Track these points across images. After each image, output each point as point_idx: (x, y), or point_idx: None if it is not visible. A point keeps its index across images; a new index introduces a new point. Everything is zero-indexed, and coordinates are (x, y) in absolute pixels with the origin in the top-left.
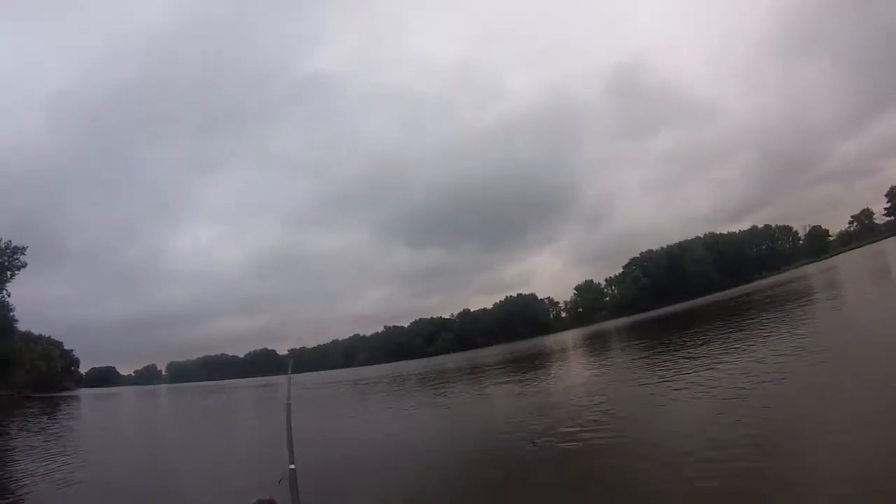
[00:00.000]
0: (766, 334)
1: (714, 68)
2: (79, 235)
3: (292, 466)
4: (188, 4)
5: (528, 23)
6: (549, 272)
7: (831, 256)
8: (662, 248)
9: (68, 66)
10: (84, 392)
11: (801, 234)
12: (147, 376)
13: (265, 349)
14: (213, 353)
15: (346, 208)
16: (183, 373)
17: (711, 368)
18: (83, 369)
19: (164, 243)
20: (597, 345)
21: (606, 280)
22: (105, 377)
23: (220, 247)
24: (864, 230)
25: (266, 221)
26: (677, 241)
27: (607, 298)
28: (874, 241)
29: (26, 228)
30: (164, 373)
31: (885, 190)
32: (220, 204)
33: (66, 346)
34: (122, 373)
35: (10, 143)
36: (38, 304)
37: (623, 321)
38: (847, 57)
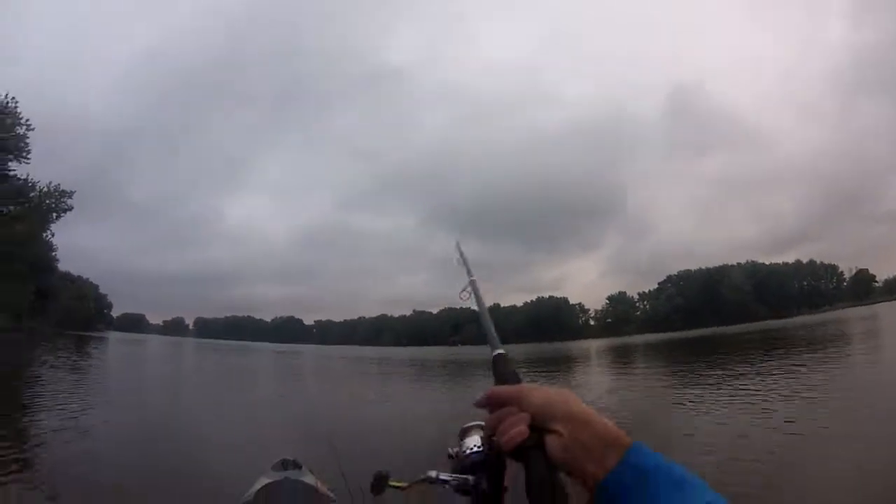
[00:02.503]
0: (791, 377)
1: (773, 97)
2: (139, 189)
3: (500, 350)
4: None
5: (592, 34)
6: (584, 279)
7: (874, 303)
8: (701, 269)
9: (157, 28)
10: (113, 335)
11: (847, 275)
12: (174, 328)
13: (292, 317)
14: (240, 315)
15: (395, 193)
16: (209, 330)
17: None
18: (115, 313)
19: (219, 206)
20: (617, 358)
21: (640, 294)
22: (134, 323)
23: (271, 216)
24: None
25: (318, 198)
26: (717, 264)
27: (638, 313)
28: None
29: (92, 177)
30: (190, 327)
31: None
32: (277, 176)
33: (102, 290)
34: (151, 321)
35: (91, 96)
36: (85, 247)
37: (651, 337)
38: None
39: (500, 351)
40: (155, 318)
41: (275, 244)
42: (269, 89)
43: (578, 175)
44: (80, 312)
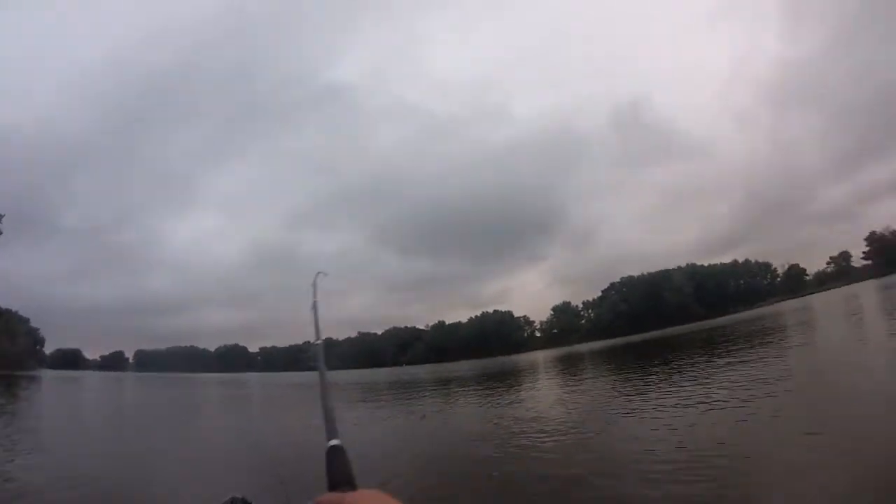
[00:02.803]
0: (733, 367)
1: (711, 109)
2: (74, 212)
3: (335, 442)
4: (226, 2)
5: (539, 52)
6: (530, 290)
7: (807, 295)
8: (643, 275)
9: (99, 45)
10: (47, 374)
11: (780, 271)
12: (113, 362)
13: (236, 345)
14: (182, 345)
15: (344, 211)
16: (150, 362)
17: (673, 400)
18: (49, 349)
19: (162, 230)
20: (563, 368)
21: (584, 303)
22: (70, 360)
23: (217, 238)
24: (841, 272)
25: (266, 216)
26: (658, 269)
27: (583, 322)
28: (849, 284)
29: (24, 200)
30: (130, 360)
31: (864, 234)
32: (224, 196)
33: (33, 324)
34: (87, 357)
35: (25, 114)
36: (13, 277)
37: (596, 345)
38: (838, 108)
39: (336, 442)
40: (92, 353)
41: (221, 267)
42: (217, 107)
43: (525, 189)
44: (9, 350)
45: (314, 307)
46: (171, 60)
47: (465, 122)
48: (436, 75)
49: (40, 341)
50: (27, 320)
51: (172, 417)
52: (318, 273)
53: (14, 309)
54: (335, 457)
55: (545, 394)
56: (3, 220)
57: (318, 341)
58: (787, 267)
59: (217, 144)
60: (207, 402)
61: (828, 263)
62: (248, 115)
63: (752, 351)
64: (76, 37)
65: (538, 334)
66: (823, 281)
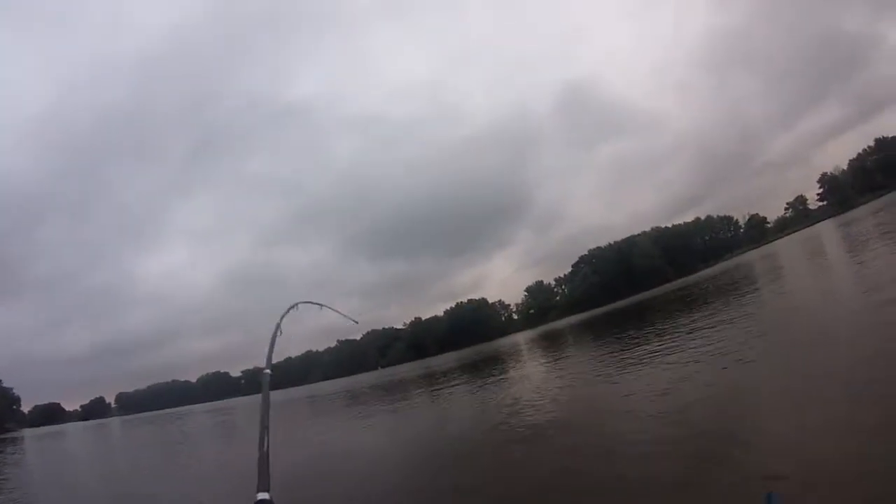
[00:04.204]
0: (709, 324)
1: (654, 82)
2: (42, 263)
3: (264, 496)
4: (175, 32)
5: (486, 47)
6: (501, 277)
7: (771, 242)
8: (610, 245)
9: (47, 88)
10: (27, 433)
11: (742, 223)
12: (95, 410)
13: (218, 372)
14: (164, 381)
15: (313, 225)
16: (133, 403)
17: (655, 362)
18: (26, 407)
19: (132, 268)
20: (545, 346)
21: (556, 280)
22: (50, 415)
23: (190, 268)
24: (800, 216)
25: (236, 241)
26: (624, 237)
27: (558, 298)
28: (809, 226)
29: None
30: (113, 405)
31: (816, 178)
32: (192, 227)
33: (6, 384)
34: (67, 408)
35: None
36: None
37: (574, 319)
38: (774, 64)
39: (266, 496)
40: (72, 404)
41: (196, 297)
42: (178, 138)
43: (487, 180)
44: None
45: (273, 337)
46: (123, 96)
47: (422, 124)
48: (389, 82)
49: (16, 400)
50: None
51: (164, 457)
52: (294, 305)
53: None
54: None
55: (529, 373)
56: None
57: (266, 370)
58: (748, 218)
59: (181, 175)
60: (195, 436)
61: (786, 209)
62: (208, 143)
63: (725, 304)
64: (19, 84)
65: (515, 317)
66: (784, 226)
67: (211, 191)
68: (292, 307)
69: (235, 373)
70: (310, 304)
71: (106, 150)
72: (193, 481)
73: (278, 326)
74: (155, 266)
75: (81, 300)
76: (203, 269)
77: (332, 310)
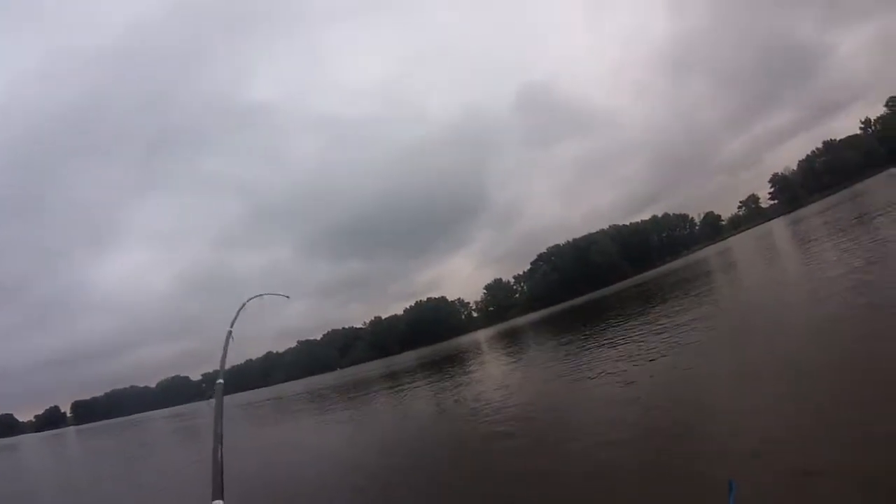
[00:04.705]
0: (666, 317)
1: (612, 83)
2: None
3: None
4: (133, 29)
5: (444, 49)
6: (461, 275)
7: (725, 239)
8: (569, 242)
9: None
10: None
11: (697, 220)
12: (50, 420)
13: (177, 376)
14: (120, 387)
15: (271, 226)
16: (90, 412)
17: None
18: None
19: (87, 272)
20: (505, 343)
21: (515, 277)
22: (2, 427)
23: (146, 272)
24: (752, 214)
25: (194, 243)
26: (582, 234)
27: (517, 295)
28: (761, 223)
29: None
30: (68, 414)
31: (768, 178)
32: (149, 228)
33: None
34: (20, 419)
35: None
36: None
37: (533, 316)
38: (729, 68)
39: (220, 503)
40: (25, 415)
41: (153, 301)
42: (131, 139)
43: (444, 179)
44: None
45: (226, 344)
46: (77, 92)
47: (379, 124)
48: (347, 82)
49: None
50: None
51: (126, 466)
52: (251, 298)
53: None
54: None
55: (489, 371)
56: None
57: (220, 380)
58: (703, 216)
59: (137, 175)
60: (154, 443)
61: (739, 207)
62: (166, 143)
63: (681, 298)
64: None
65: (476, 315)
66: (738, 224)
67: (168, 191)
68: (241, 308)
69: (195, 377)
70: (255, 299)
71: (55, 150)
72: (149, 491)
73: (230, 334)
74: (111, 269)
75: (34, 306)
76: (160, 272)
77: (271, 294)
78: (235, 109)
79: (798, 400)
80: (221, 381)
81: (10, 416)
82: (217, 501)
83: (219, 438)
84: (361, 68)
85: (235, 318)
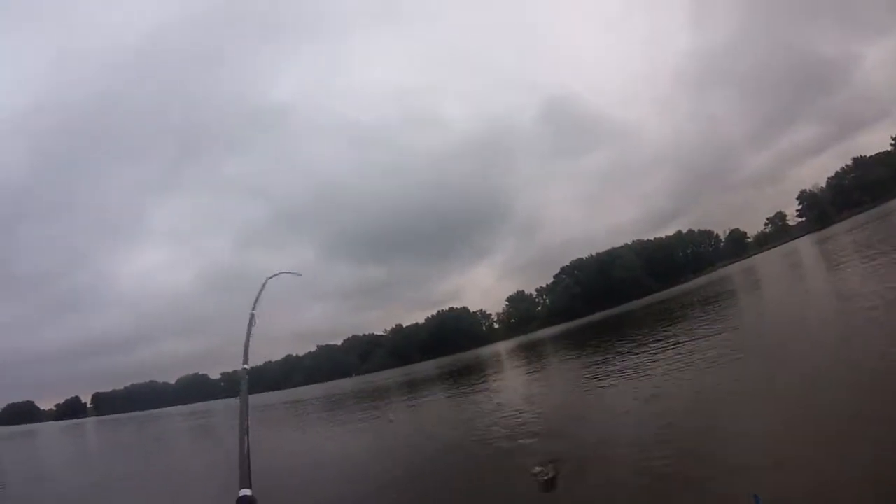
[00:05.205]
0: (691, 335)
1: (635, 95)
2: (19, 263)
3: (246, 492)
4: (155, 33)
5: (467, 56)
6: (482, 285)
7: (751, 256)
8: (592, 256)
9: (20, 85)
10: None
11: (722, 237)
12: (70, 410)
13: (197, 374)
14: (141, 381)
15: (292, 229)
16: (110, 405)
17: (638, 371)
18: None
19: (110, 268)
20: (526, 356)
21: (537, 290)
22: (23, 413)
23: (169, 270)
24: (779, 231)
25: (215, 243)
26: (606, 248)
27: (539, 308)
28: (788, 241)
29: None
30: (89, 405)
31: (795, 194)
32: (171, 226)
33: None
34: (42, 407)
35: None
36: None
37: (555, 330)
38: (753, 81)
39: (248, 492)
40: (46, 403)
41: (174, 298)
42: (154, 139)
43: (466, 188)
44: None
45: (251, 320)
46: (101, 96)
47: (399, 131)
48: (368, 89)
49: None
50: None
51: (150, 460)
52: (274, 275)
53: None
54: None
55: (511, 383)
56: None
57: (244, 366)
58: (728, 232)
59: (159, 177)
60: (177, 438)
61: (765, 225)
62: (188, 146)
63: (706, 316)
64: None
65: (497, 326)
66: (764, 242)
67: (191, 192)
68: (262, 289)
69: (215, 375)
70: (274, 278)
71: (83, 150)
72: (178, 481)
73: (252, 317)
74: (133, 266)
75: (59, 299)
76: (182, 271)
77: (287, 273)
78: (258, 112)
79: (820, 418)
80: (246, 366)
81: (32, 403)
82: (245, 490)
83: (245, 428)
84: (383, 75)
85: (257, 299)
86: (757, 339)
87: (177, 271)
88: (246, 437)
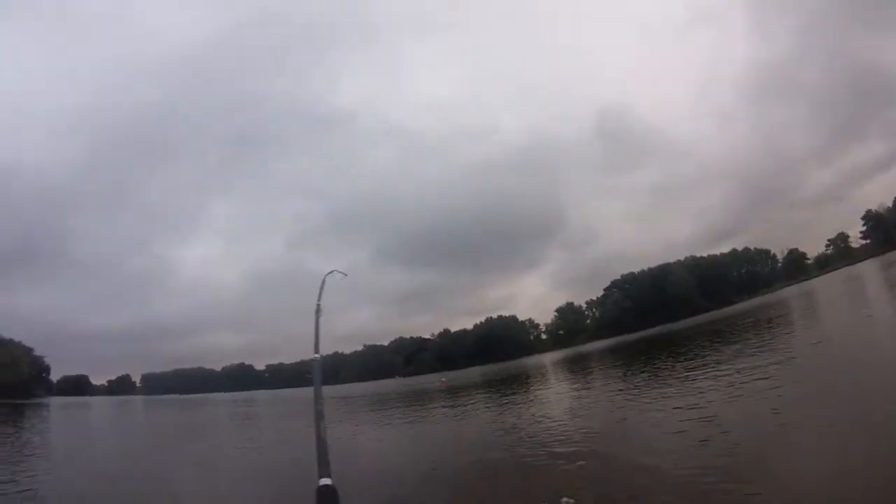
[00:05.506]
0: (741, 362)
1: (691, 108)
2: (81, 248)
3: (327, 481)
4: (217, 34)
5: (522, 67)
6: (532, 295)
7: (809, 279)
8: (644, 271)
9: (90, 83)
10: (54, 401)
11: (780, 257)
12: (120, 387)
13: (242, 364)
14: (188, 367)
15: (345, 232)
16: (157, 385)
17: (686, 396)
18: (55, 377)
19: (166, 259)
20: (573, 368)
21: (587, 302)
22: (77, 386)
23: (221, 264)
24: (841, 253)
25: (268, 241)
26: (658, 264)
27: (588, 321)
28: (851, 264)
29: (30, 237)
30: (137, 384)
31: (859, 214)
32: (226, 223)
33: (38, 353)
34: (94, 382)
35: (26, 157)
36: (20, 309)
37: (603, 344)
38: (815, 96)
39: (328, 482)
40: (99, 379)
41: (226, 291)
42: (213, 138)
43: (519, 198)
44: (11, 379)
45: (317, 311)
46: (163, 95)
47: (455, 139)
48: (424, 96)
49: (46, 369)
50: (31, 350)
51: (195, 439)
52: (330, 272)
53: (17, 340)
54: (326, 500)
55: (558, 397)
56: (8, 257)
57: (317, 355)
58: (786, 252)
59: (217, 173)
60: (227, 421)
61: (826, 246)
62: (246, 146)
63: (759, 343)
64: (66, 79)
65: (544, 337)
66: (824, 264)
67: (247, 190)
68: (322, 284)
69: (259, 366)
70: (329, 275)
71: (141, 146)
72: (256, 465)
73: (318, 308)
74: (188, 259)
75: (116, 284)
76: (234, 266)
77: (338, 272)
78: (315, 116)
79: (869, 454)
80: (318, 355)
81: (86, 377)
82: (324, 480)
83: (321, 417)
84: (438, 84)
85: (320, 293)
86: (809, 371)
87: (229, 267)
88: (322, 425)
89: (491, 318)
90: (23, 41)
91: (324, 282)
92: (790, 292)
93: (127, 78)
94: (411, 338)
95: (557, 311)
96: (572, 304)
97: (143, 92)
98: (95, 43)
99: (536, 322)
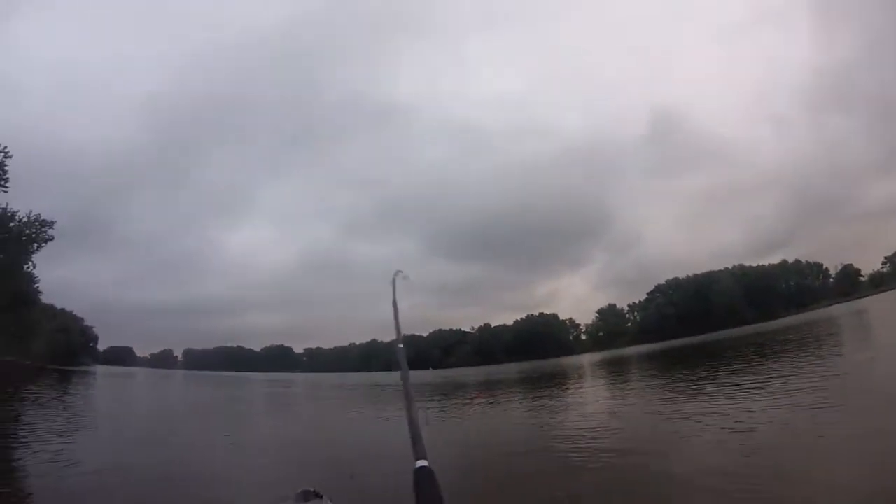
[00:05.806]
0: (789, 376)
1: (748, 113)
2: (134, 224)
3: (423, 463)
4: (285, 22)
5: (578, 68)
6: (574, 295)
7: (862, 297)
8: (689, 277)
9: (160, 70)
10: (99, 369)
11: (833, 272)
12: (162, 360)
13: (281, 346)
14: (230, 345)
15: (394, 222)
16: (198, 361)
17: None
18: (102, 346)
19: (215, 239)
20: (611, 371)
21: (629, 306)
22: (121, 356)
23: (270, 247)
24: None
25: (319, 227)
26: (704, 271)
27: (629, 324)
28: None
29: (87, 211)
30: (179, 359)
31: None
32: (278, 208)
33: (88, 323)
34: (138, 354)
35: (93, 135)
36: (73, 281)
37: (642, 349)
38: (879, 107)
39: (424, 464)
40: (142, 351)
41: (271, 274)
42: (275, 128)
43: (568, 197)
44: (63, 346)
45: (394, 305)
46: (228, 83)
47: (510, 135)
48: (480, 92)
49: (94, 339)
50: (81, 319)
51: (231, 415)
52: (397, 272)
53: (70, 310)
54: (424, 481)
55: (594, 399)
56: (65, 229)
57: (400, 346)
58: (840, 267)
59: (274, 158)
60: (263, 400)
61: (883, 263)
62: (301, 134)
63: (804, 362)
64: (137, 66)
65: (584, 337)
66: (879, 282)
67: (300, 176)
68: (393, 280)
69: (298, 349)
70: (399, 274)
71: (205, 131)
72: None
73: (395, 302)
74: (238, 239)
75: (166, 260)
76: (283, 249)
77: (401, 272)
78: (375, 107)
79: None
80: (402, 346)
81: (130, 349)
82: (421, 461)
83: (412, 401)
84: (496, 79)
85: (394, 289)
86: (854, 393)
87: (277, 250)
88: (414, 408)
89: (532, 315)
90: (117, 30)
91: (394, 282)
92: (841, 309)
93: (202, 64)
94: (451, 330)
95: (599, 312)
96: (614, 306)
97: (213, 78)
98: (179, 33)
99: (577, 322)
